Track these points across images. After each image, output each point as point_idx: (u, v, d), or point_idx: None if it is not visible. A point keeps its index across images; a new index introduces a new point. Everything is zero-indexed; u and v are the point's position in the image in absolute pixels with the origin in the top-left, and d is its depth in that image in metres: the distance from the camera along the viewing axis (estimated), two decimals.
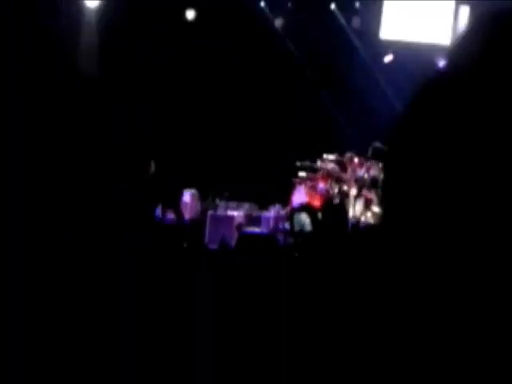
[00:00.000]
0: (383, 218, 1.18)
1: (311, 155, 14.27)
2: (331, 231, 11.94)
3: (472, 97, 1.10)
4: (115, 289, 7.33)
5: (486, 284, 1.08)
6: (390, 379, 1.15)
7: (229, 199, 13.71)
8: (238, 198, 13.84)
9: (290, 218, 12.88)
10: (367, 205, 13.47)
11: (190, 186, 14.04)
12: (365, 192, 13.65)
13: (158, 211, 13.36)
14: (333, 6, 15.72)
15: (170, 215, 13.61)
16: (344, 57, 15.95)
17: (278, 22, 15.84)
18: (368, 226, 12.96)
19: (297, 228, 12.67)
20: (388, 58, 16.03)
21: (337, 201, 13.47)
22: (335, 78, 15.97)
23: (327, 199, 13.40)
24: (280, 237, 12.82)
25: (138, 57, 14.99)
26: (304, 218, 12.81)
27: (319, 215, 12.76)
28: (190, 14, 15.30)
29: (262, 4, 15.62)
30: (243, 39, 15.66)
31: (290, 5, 15.60)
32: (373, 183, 13.59)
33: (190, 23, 15.40)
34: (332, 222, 12.13)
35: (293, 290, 7.84)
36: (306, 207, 13.18)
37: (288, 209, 13.58)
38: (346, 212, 13.01)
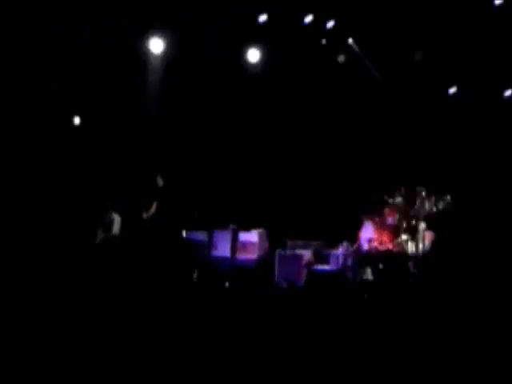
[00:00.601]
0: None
1: (379, 190, 14.14)
2: (392, 281, 11.95)
3: None
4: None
5: None
6: None
7: (297, 238, 13.74)
8: (306, 236, 13.83)
9: (352, 269, 12.85)
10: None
11: (259, 226, 14.10)
12: (433, 225, 13.46)
13: (227, 251, 13.48)
14: None
15: (241, 256, 13.71)
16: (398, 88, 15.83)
17: (341, 58, 15.94)
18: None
19: (359, 278, 12.63)
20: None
21: (396, 249, 13.33)
22: (398, 110, 15.90)
23: (387, 251, 13.25)
24: (349, 274, 12.75)
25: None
26: (366, 268, 12.75)
27: (380, 266, 12.70)
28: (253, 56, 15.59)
29: (324, 41, 15.71)
30: (308, 77, 15.81)
31: (350, 40, 15.67)
32: (440, 217, 13.42)
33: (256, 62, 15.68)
34: (392, 273, 12.13)
35: (361, 328, 7.83)
36: (368, 259, 13.06)
37: (356, 245, 13.47)
38: (406, 262, 12.89)
